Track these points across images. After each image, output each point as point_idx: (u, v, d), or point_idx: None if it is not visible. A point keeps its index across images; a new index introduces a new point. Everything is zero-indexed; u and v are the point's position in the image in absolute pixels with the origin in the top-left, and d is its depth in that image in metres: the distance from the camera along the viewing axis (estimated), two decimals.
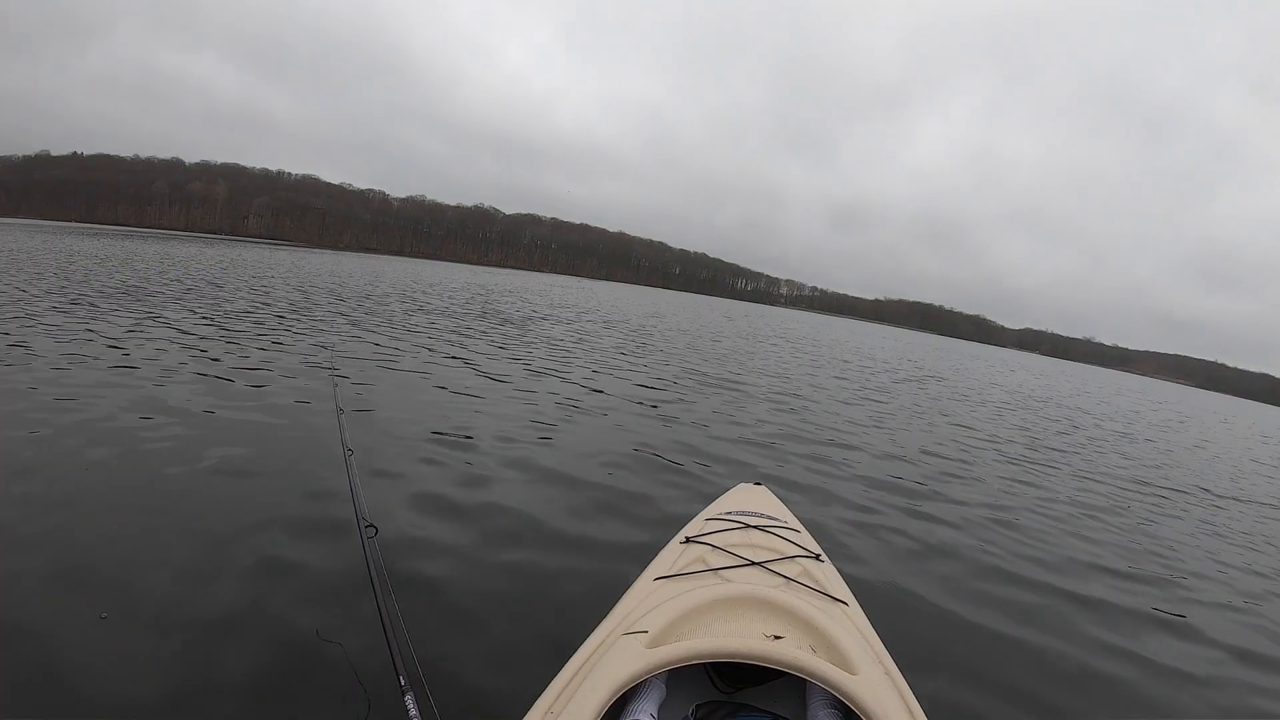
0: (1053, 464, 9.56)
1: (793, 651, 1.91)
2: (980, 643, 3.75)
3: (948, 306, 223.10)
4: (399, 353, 10.85)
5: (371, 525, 2.86)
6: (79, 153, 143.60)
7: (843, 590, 2.63)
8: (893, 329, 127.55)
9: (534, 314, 23.26)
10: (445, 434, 6.38)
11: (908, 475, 7.37)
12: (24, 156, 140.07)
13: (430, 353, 11.36)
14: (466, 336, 14.38)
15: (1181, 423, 23.71)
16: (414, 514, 4.37)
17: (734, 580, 2.48)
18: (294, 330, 11.91)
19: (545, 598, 3.52)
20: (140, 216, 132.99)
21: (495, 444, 6.27)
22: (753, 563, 2.66)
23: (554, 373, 10.99)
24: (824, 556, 2.90)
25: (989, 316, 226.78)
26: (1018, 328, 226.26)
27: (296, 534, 3.81)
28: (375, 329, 13.55)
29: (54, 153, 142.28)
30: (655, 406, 9.24)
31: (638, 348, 17.11)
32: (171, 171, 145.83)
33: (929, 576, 4.55)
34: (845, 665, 1.92)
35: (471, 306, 22.91)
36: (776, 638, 2.02)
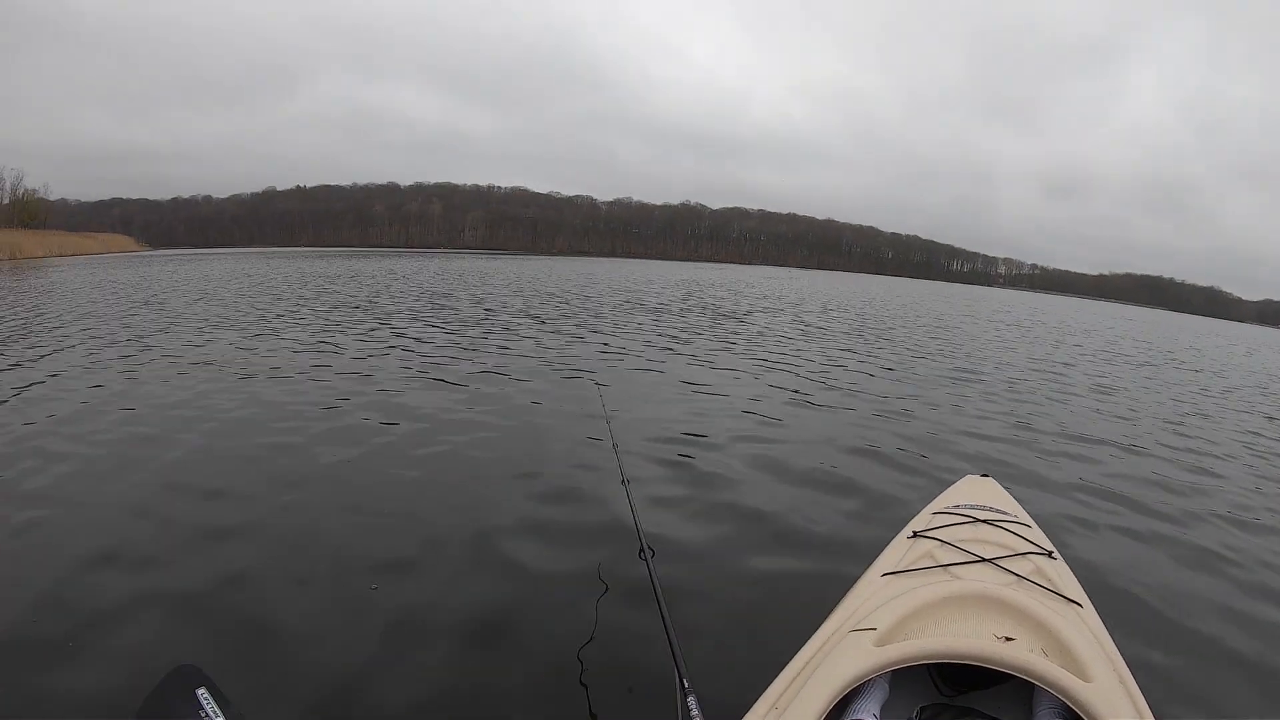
0: None
1: (1024, 655, 1.85)
2: (1225, 659, 3.47)
3: (1177, 279, 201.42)
4: (625, 352, 11.52)
5: (650, 548, 2.68)
6: (302, 186, 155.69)
7: (1077, 590, 2.49)
8: (1118, 306, 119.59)
9: (751, 308, 23.76)
10: (685, 434, 6.58)
11: (1149, 471, 6.94)
12: (253, 194, 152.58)
13: (656, 349, 12.04)
14: (687, 333, 14.88)
15: None
16: (667, 517, 4.56)
17: (963, 577, 2.42)
18: (533, 338, 12.54)
19: (787, 598, 3.60)
20: (364, 238, 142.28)
21: (730, 442, 6.47)
22: (983, 559, 2.56)
23: (777, 365, 11.33)
24: (1056, 554, 2.77)
25: (1223, 288, 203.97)
26: (1257, 300, 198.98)
27: (569, 543, 4.07)
28: (601, 329, 14.44)
29: (279, 188, 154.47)
30: (882, 398, 9.32)
31: (858, 337, 17.23)
32: (389, 195, 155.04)
33: (1171, 581, 4.35)
34: (1078, 671, 1.84)
35: (690, 302, 24.01)
36: (1008, 639, 1.97)
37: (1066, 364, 15.77)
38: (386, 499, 4.62)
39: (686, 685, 1.86)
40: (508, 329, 13.34)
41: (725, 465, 5.71)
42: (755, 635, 3.15)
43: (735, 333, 15.54)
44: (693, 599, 3.42)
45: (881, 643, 1.94)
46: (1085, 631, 2.08)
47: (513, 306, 17.97)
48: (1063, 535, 4.56)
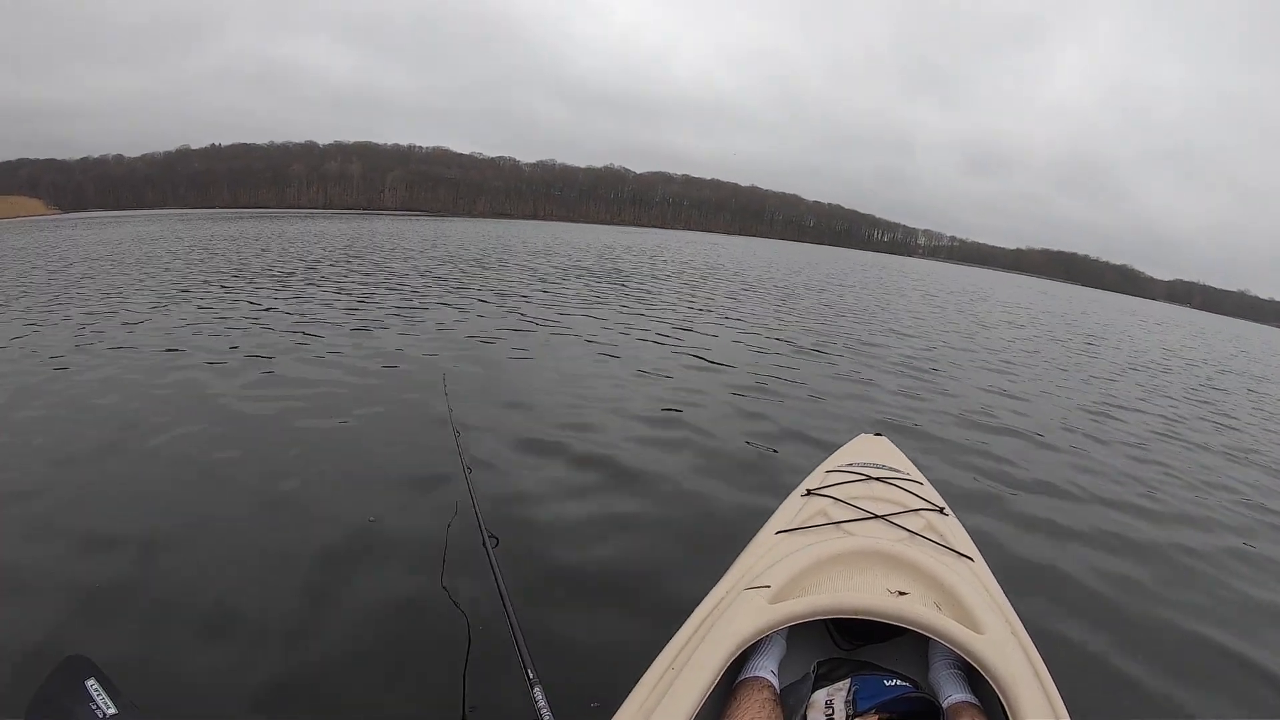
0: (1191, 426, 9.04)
1: (917, 608, 1.94)
2: (1110, 603, 3.78)
3: (1092, 255, 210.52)
4: (503, 323, 10.77)
5: (494, 536, 2.71)
6: (217, 144, 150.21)
7: (968, 545, 2.60)
8: (1033, 279, 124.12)
9: (661, 273, 23.12)
10: (550, 411, 6.31)
11: (1043, 431, 7.31)
12: (166, 153, 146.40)
13: (534, 317, 11.40)
14: (595, 295, 14.71)
15: None
16: (518, 504, 4.31)
17: (857, 534, 2.49)
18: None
19: (668, 562, 3.65)
20: (281, 198, 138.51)
21: (606, 415, 6.24)
22: (875, 515, 2.65)
23: (666, 332, 10.99)
24: (948, 510, 2.86)
25: (1136, 266, 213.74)
26: (1167, 279, 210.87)
27: (409, 536, 3.78)
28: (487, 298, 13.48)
29: (194, 146, 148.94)
30: (776, 360, 9.44)
31: (766, 301, 17.28)
32: (307, 154, 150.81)
33: (1059, 534, 4.58)
34: (970, 623, 1.94)
35: (597, 265, 23.69)
36: (901, 594, 2.04)
37: (971, 333, 16.09)
38: (183, 495, 4.23)
39: (532, 676, 1.87)
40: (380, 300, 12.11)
41: (597, 441, 5.47)
42: (610, 624, 3.07)
43: (635, 297, 15.18)
44: (546, 586, 3.33)
45: (776, 599, 2.01)
46: (977, 585, 2.19)
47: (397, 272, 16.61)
48: (954, 493, 4.62)
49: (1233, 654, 3.41)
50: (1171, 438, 8.02)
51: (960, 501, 3.89)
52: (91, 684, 1.82)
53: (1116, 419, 8.57)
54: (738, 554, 2.55)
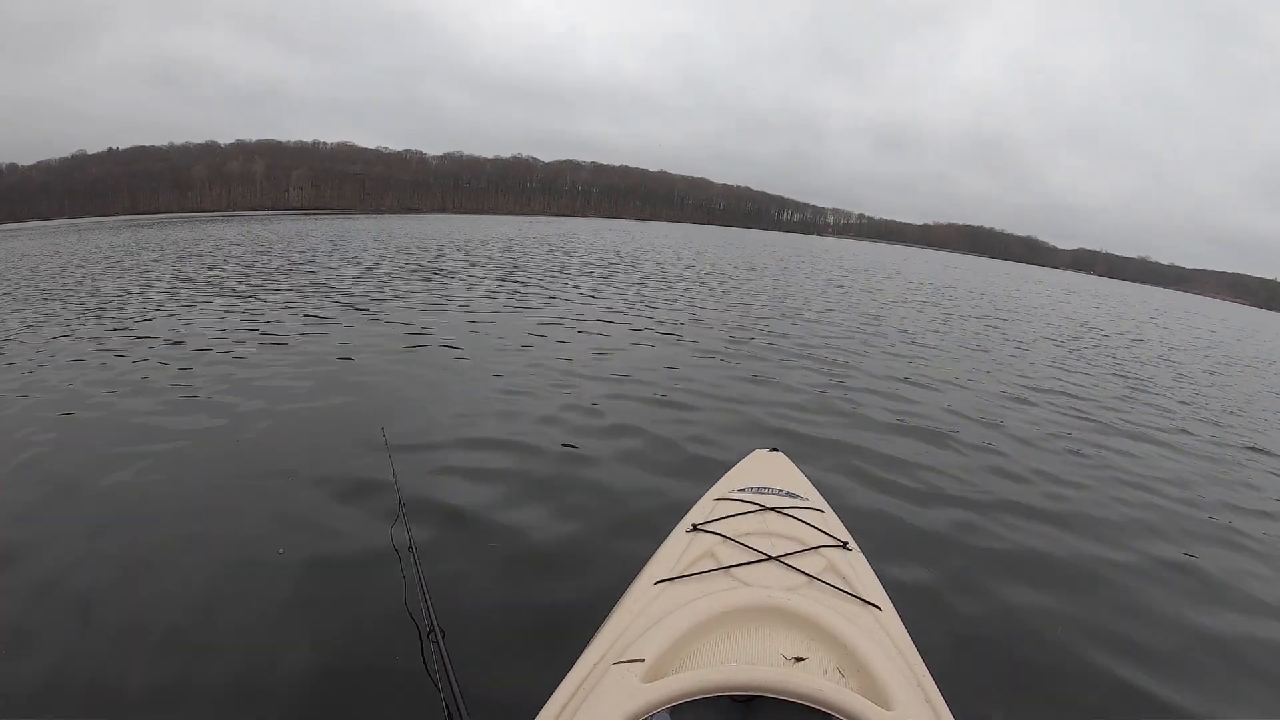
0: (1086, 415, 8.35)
1: (816, 681, 1.69)
2: (1041, 656, 3.33)
3: (999, 229, 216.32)
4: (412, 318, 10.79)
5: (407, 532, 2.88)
6: (115, 148, 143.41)
7: (875, 588, 2.37)
8: (941, 253, 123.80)
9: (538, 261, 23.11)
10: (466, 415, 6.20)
11: (956, 430, 6.84)
12: (61, 159, 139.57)
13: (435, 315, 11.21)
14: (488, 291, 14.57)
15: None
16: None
17: (748, 580, 2.26)
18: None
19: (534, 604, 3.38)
20: (183, 203, 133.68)
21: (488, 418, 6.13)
22: (770, 557, 2.39)
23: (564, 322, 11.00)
24: (852, 544, 2.63)
25: (1041, 238, 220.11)
26: (1071, 248, 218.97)
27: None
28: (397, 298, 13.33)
29: (90, 151, 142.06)
30: (661, 356, 8.98)
31: (662, 285, 17.48)
32: (208, 155, 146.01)
33: (977, 563, 4.12)
34: (878, 695, 1.71)
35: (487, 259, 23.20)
36: (798, 659, 1.85)
37: (876, 315, 15.53)
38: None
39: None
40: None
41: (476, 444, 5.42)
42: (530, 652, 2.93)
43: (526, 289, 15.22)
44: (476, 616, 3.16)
45: (651, 677, 1.76)
46: (885, 642, 2.00)
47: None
48: (860, 517, 4.14)
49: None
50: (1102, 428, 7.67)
51: (866, 528, 3.71)
52: None
53: (1032, 407, 8.28)
54: (610, 610, 2.31)
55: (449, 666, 2.11)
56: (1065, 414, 8.13)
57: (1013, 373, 10.37)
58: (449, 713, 1.93)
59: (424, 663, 2.65)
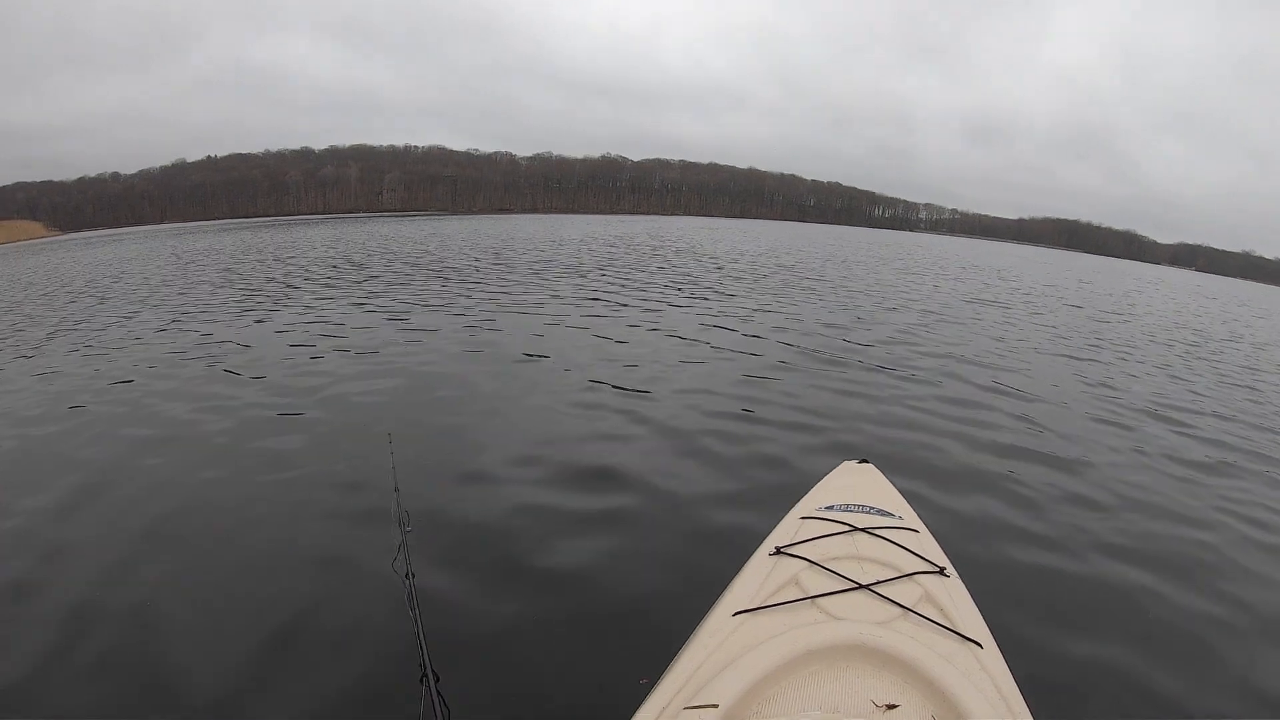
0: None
1: None
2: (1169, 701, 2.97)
3: (1095, 223, 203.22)
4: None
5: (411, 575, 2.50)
6: (213, 156, 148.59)
7: (975, 622, 2.10)
8: (1037, 249, 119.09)
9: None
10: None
11: (1068, 442, 6.20)
12: (161, 167, 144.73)
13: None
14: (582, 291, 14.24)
15: None
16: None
17: (836, 613, 2.05)
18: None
19: (600, 645, 3.12)
20: (279, 206, 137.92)
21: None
22: (860, 585, 2.17)
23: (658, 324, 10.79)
24: (950, 569, 2.37)
25: (1140, 231, 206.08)
26: (1171, 243, 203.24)
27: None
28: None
29: (189, 159, 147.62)
30: (748, 357, 8.72)
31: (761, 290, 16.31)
32: (303, 160, 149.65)
33: (1095, 599, 3.69)
34: None
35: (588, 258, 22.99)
36: (890, 706, 1.65)
37: (977, 318, 14.27)
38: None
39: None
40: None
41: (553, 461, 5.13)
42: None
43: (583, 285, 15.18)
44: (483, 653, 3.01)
45: None
46: (987, 686, 1.80)
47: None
48: (957, 541, 3.64)
49: None
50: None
51: (965, 552, 3.35)
52: None
53: (1158, 421, 7.36)
54: (684, 643, 2.07)
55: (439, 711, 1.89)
56: (1238, 451, 6.72)
57: (1156, 391, 9.05)
58: None
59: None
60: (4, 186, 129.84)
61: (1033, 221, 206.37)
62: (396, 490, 3.52)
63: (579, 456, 5.25)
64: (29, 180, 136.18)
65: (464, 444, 5.53)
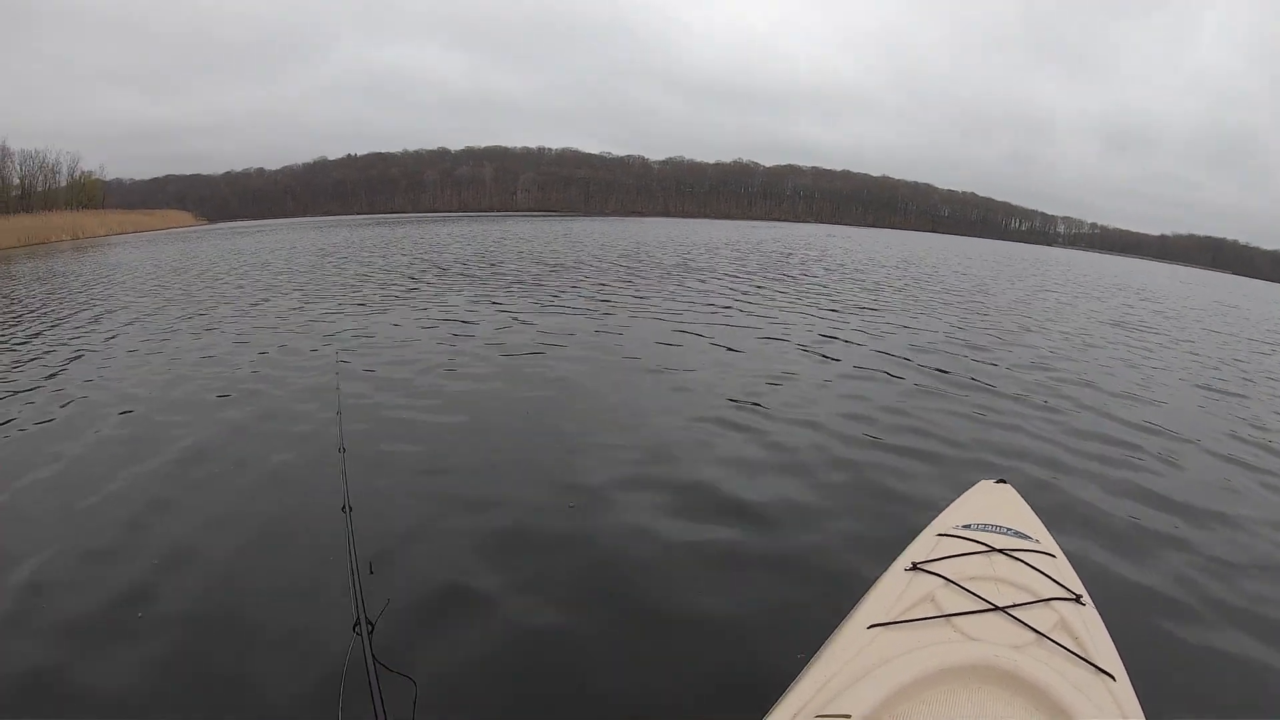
0: None
1: None
2: None
3: (1242, 241, 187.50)
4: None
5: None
6: (353, 154, 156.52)
7: (1109, 652, 2.05)
8: (1180, 268, 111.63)
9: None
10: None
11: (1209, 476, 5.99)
12: (304, 164, 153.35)
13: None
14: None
15: None
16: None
17: (970, 633, 2.01)
18: None
19: (730, 643, 3.18)
20: (416, 203, 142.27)
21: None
22: (996, 607, 2.12)
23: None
24: (1086, 598, 2.30)
25: None
26: None
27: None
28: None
29: (330, 157, 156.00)
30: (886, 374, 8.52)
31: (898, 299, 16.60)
32: (440, 160, 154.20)
33: (1233, 634, 3.52)
34: None
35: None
36: None
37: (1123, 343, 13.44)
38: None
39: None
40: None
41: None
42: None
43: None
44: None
45: None
46: (1117, 719, 1.76)
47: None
48: (1093, 570, 3.61)
49: None
50: None
51: (1102, 580, 3.49)
52: None
53: None
54: (817, 650, 2.14)
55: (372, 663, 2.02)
56: None
57: None
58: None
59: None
60: (155, 179, 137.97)
61: (1176, 239, 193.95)
62: (339, 413, 4.64)
63: (700, 470, 5.20)
64: (178, 174, 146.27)
65: (575, 450, 5.54)
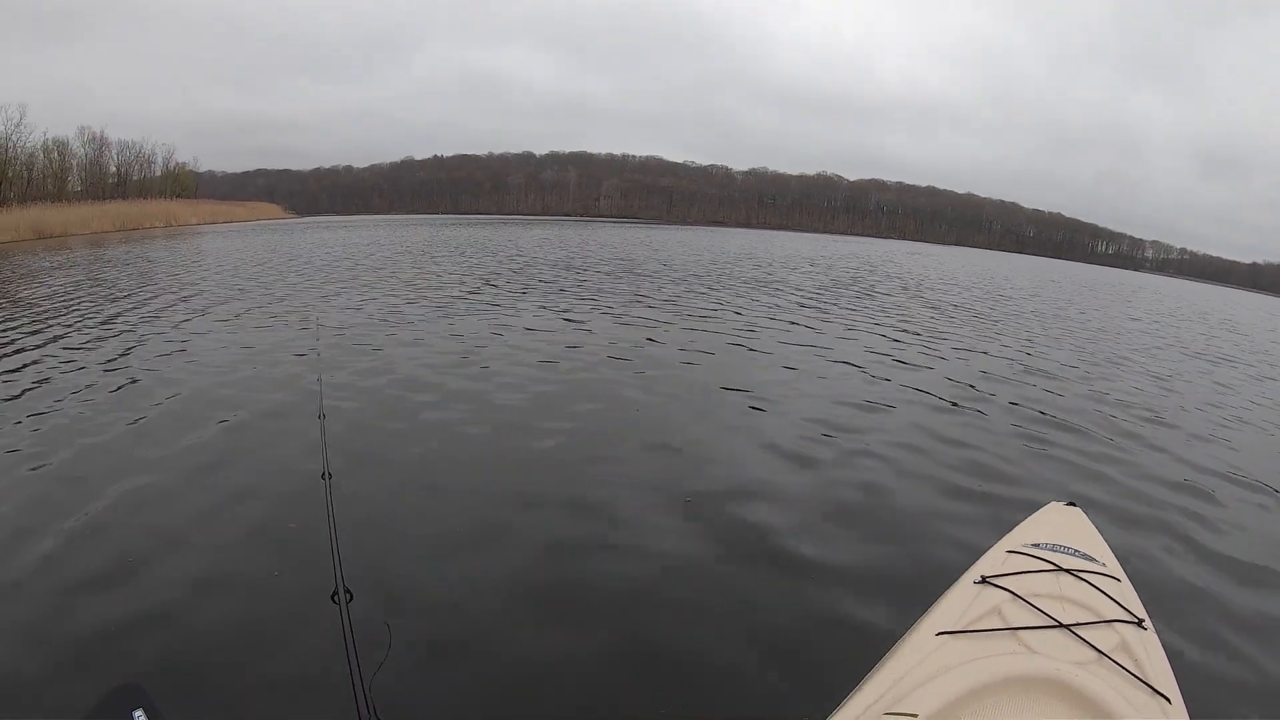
0: None
1: None
2: None
3: None
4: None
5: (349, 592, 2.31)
6: (440, 155, 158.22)
7: (1166, 677, 2.03)
8: (1271, 299, 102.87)
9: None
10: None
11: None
12: (391, 163, 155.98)
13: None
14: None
15: None
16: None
17: (1035, 647, 2.04)
18: None
19: (794, 646, 3.26)
20: (500, 205, 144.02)
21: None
22: (1060, 624, 2.14)
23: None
24: (1148, 622, 2.29)
25: None
26: None
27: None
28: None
29: (417, 157, 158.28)
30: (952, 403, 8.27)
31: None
32: (524, 164, 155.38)
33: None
34: None
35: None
36: None
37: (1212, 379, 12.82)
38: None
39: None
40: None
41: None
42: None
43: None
44: None
45: None
46: None
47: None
48: (1156, 597, 3.32)
49: None
50: None
51: (1163, 609, 3.25)
52: (139, 715, 1.70)
53: None
54: (887, 651, 2.18)
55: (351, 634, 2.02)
56: None
57: None
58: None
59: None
60: (245, 172, 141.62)
61: (1269, 267, 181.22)
62: (319, 380, 4.87)
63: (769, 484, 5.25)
64: (268, 168, 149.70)
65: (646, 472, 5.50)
